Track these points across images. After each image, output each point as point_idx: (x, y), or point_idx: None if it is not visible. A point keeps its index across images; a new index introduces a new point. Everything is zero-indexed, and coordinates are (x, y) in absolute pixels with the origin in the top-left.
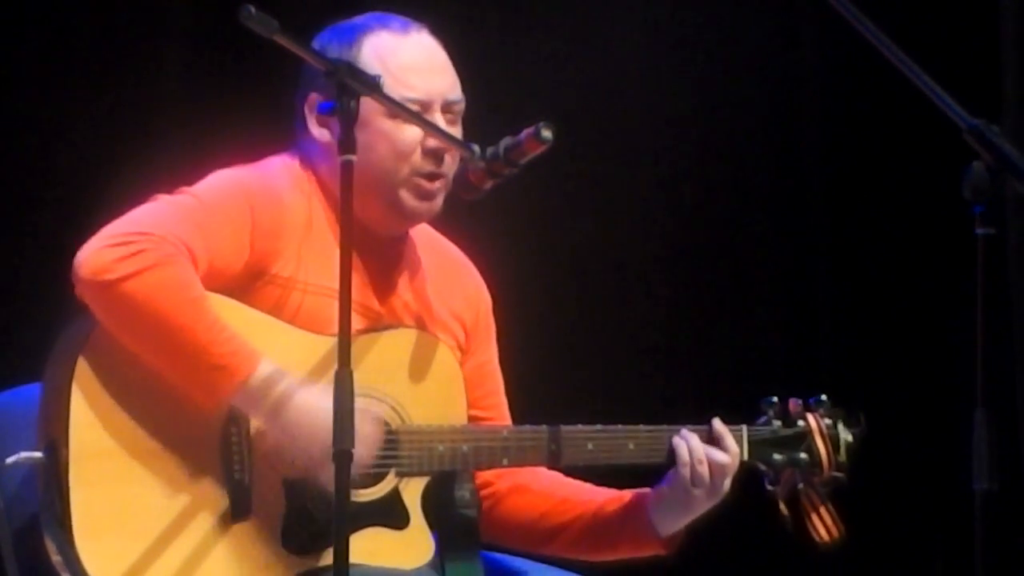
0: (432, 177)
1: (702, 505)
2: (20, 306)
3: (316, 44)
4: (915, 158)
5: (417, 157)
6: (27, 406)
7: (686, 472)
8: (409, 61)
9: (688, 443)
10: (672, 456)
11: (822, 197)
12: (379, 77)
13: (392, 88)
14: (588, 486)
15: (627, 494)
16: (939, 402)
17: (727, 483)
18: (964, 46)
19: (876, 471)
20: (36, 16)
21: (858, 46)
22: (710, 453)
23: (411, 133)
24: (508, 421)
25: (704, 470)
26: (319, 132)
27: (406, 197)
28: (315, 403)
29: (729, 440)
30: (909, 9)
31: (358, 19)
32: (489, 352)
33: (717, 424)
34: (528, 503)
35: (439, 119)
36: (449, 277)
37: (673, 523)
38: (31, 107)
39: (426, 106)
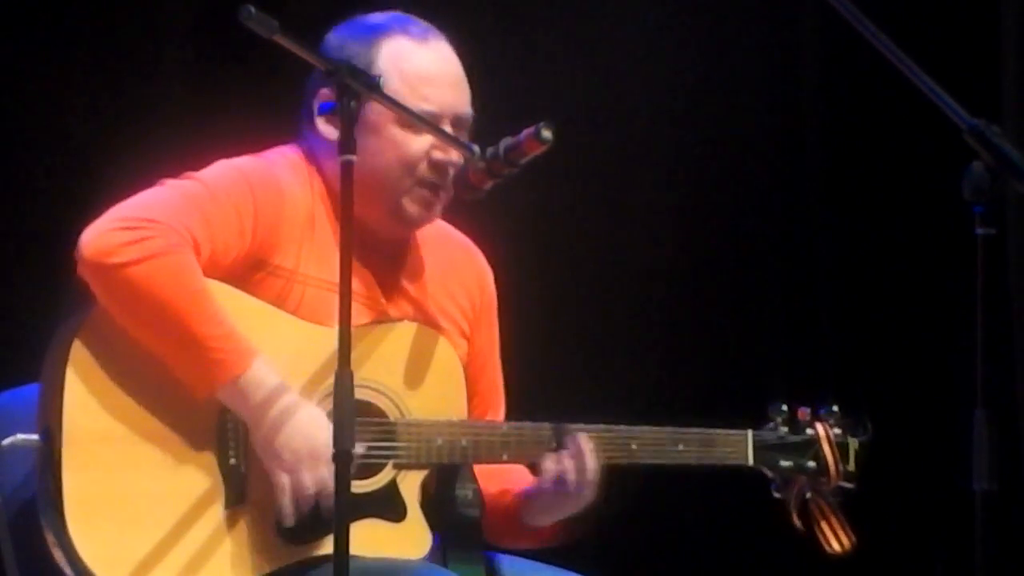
0: (434, 188)
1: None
2: (19, 305)
3: (334, 37)
4: (915, 158)
5: (423, 168)
6: (27, 406)
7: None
8: (425, 71)
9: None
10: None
11: (822, 197)
12: (379, 78)
13: (406, 97)
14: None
15: (509, 492)
16: (939, 402)
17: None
18: (964, 46)
19: (876, 471)
20: (36, 14)
21: (858, 46)
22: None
23: (419, 144)
24: (500, 415)
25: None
26: (326, 129)
27: (408, 205)
28: (310, 428)
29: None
30: (909, 9)
31: (379, 18)
32: (490, 340)
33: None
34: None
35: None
36: (452, 265)
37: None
38: (31, 105)
39: (436, 119)
